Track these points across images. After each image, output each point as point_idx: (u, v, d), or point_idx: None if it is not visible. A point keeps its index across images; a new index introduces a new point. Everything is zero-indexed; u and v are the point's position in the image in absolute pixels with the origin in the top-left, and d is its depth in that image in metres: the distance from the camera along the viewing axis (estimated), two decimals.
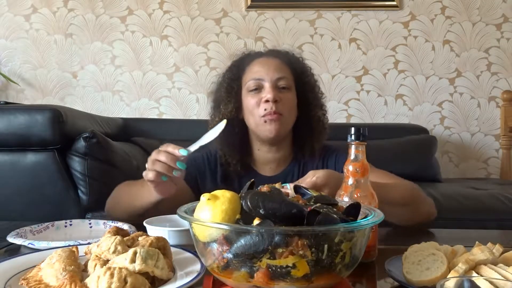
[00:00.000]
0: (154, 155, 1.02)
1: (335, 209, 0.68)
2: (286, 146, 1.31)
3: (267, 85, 1.22)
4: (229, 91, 1.29)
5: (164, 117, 2.74)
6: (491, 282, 0.55)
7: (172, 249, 0.77)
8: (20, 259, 0.75)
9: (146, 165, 1.04)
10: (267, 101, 1.21)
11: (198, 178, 1.32)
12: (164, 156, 1.00)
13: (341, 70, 2.76)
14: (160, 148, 1.02)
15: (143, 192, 1.11)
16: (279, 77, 1.24)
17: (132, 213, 1.17)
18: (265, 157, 1.31)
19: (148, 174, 1.02)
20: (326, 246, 0.59)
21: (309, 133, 1.29)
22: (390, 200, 1.00)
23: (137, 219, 1.11)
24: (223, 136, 1.22)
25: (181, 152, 0.99)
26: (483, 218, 1.75)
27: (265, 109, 1.21)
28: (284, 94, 1.23)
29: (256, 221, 0.61)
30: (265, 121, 1.22)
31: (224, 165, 1.31)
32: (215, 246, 0.62)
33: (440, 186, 2.16)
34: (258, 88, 1.24)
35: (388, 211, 1.02)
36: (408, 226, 1.15)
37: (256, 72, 1.25)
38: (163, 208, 1.11)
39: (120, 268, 0.61)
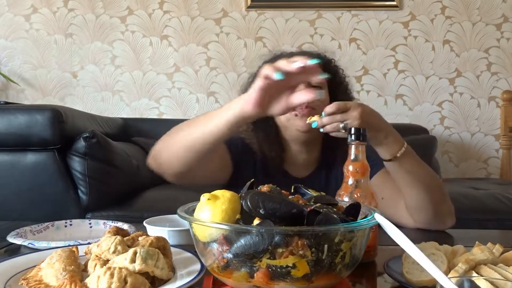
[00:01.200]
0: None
1: (335, 209, 0.67)
2: (316, 148, 1.28)
3: None
4: None
5: (164, 117, 2.75)
6: (491, 282, 0.55)
7: (172, 249, 0.77)
8: (20, 259, 0.75)
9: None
10: None
11: (240, 160, 1.27)
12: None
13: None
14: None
15: (219, 113, 0.96)
16: None
17: (192, 145, 1.01)
18: (296, 159, 1.27)
19: (265, 70, 0.84)
20: (326, 246, 0.59)
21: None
22: (420, 174, 1.06)
23: (187, 161, 1.02)
24: (260, 132, 1.22)
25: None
26: (483, 218, 1.75)
27: None
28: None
29: (256, 221, 0.61)
30: (296, 115, 1.17)
31: (263, 159, 1.26)
32: (215, 246, 0.61)
33: None
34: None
35: (412, 193, 1.05)
36: (424, 228, 1.12)
37: None
38: (204, 172, 1.08)
39: (120, 268, 0.61)
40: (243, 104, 0.89)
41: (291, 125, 1.21)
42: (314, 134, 1.20)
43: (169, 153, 1.07)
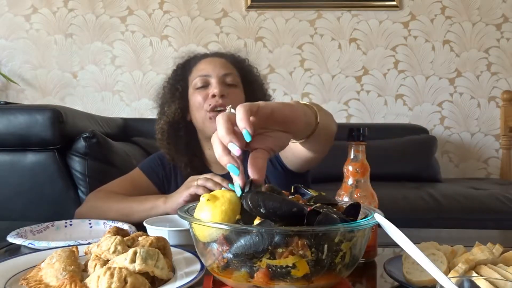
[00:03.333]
0: (205, 177, 1.05)
1: (335, 209, 0.67)
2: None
3: (213, 80, 1.22)
4: (172, 92, 1.29)
5: None
6: (491, 282, 0.55)
7: (172, 249, 0.77)
8: (20, 259, 0.75)
9: (195, 183, 1.05)
10: (213, 96, 1.20)
11: (164, 178, 1.32)
12: (218, 179, 1.04)
13: (341, 70, 2.76)
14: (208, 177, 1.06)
15: (145, 207, 1.11)
16: (226, 73, 1.24)
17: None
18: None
19: (199, 190, 1.03)
20: (326, 246, 0.59)
21: None
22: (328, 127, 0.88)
23: None
24: (169, 140, 1.26)
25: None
26: (483, 218, 1.75)
27: (210, 104, 1.20)
28: (231, 89, 1.23)
29: (257, 221, 0.61)
30: (210, 118, 1.20)
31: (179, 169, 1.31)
32: (215, 246, 0.61)
33: (440, 186, 2.17)
34: (205, 85, 1.23)
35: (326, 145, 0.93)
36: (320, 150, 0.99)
37: (203, 69, 1.25)
38: None
39: (120, 268, 0.61)
40: (169, 210, 1.06)
41: (206, 128, 1.23)
42: None
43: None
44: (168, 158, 1.29)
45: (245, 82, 1.29)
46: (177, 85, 1.29)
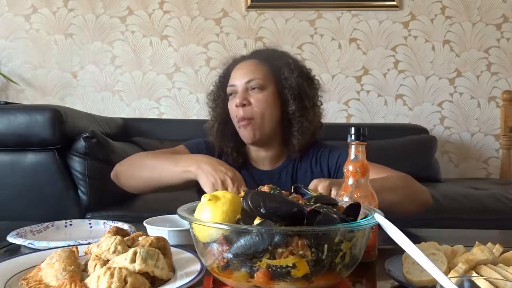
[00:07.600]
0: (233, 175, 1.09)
1: (335, 209, 0.67)
2: (275, 145, 1.32)
3: (238, 89, 1.26)
4: (215, 99, 1.35)
5: (164, 117, 2.74)
6: (491, 282, 0.55)
7: (172, 249, 0.77)
8: (20, 259, 0.75)
9: (225, 174, 1.08)
10: (237, 106, 1.25)
11: None
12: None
13: (341, 70, 2.76)
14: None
15: (180, 172, 1.14)
16: (249, 80, 1.25)
17: (151, 183, 1.22)
18: (257, 155, 1.34)
19: (227, 181, 1.07)
20: (326, 246, 0.59)
21: (290, 129, 1.29)
22: (383, 189, 0.98)
23: (145, 191, 1.28)
24: (217, 130, 1.33)
25: None
26: (483, 218, 1.75)
27: (236, 116, 1.26)
28: (254, 95, 1.24)
29: (257, 221, 0.61)
30: (239, 127, 1.27)
31: (224, 157, 1.34)
32: (215, 246, 0.61)
33: (440, 186, 2.17)
34: (234, 93, 1.28)
35: (383, 199, 0.96)
36: (407, 215, 1.14)
37: (232, 78, 1.29)
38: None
39: (120, 268, 0.61)
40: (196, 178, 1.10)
41: (240, 135, 1.29)
42: (263, 138, 1.27)
43: (128, 181, 1.27)
44: (217, 145, 1.34)
45: (277, 79, 1.28)
46: (219, 92, 1.35)
